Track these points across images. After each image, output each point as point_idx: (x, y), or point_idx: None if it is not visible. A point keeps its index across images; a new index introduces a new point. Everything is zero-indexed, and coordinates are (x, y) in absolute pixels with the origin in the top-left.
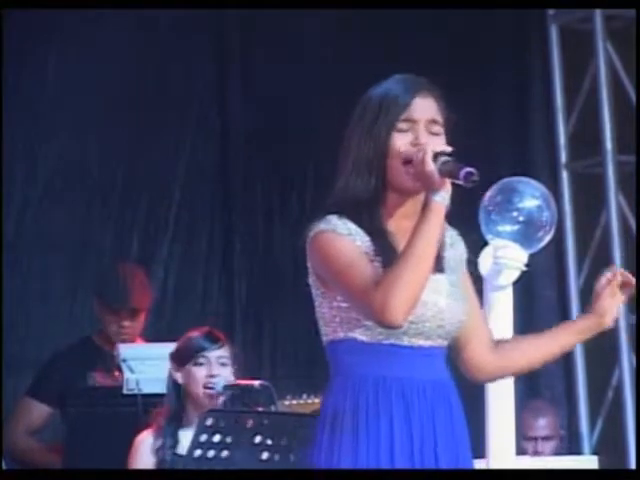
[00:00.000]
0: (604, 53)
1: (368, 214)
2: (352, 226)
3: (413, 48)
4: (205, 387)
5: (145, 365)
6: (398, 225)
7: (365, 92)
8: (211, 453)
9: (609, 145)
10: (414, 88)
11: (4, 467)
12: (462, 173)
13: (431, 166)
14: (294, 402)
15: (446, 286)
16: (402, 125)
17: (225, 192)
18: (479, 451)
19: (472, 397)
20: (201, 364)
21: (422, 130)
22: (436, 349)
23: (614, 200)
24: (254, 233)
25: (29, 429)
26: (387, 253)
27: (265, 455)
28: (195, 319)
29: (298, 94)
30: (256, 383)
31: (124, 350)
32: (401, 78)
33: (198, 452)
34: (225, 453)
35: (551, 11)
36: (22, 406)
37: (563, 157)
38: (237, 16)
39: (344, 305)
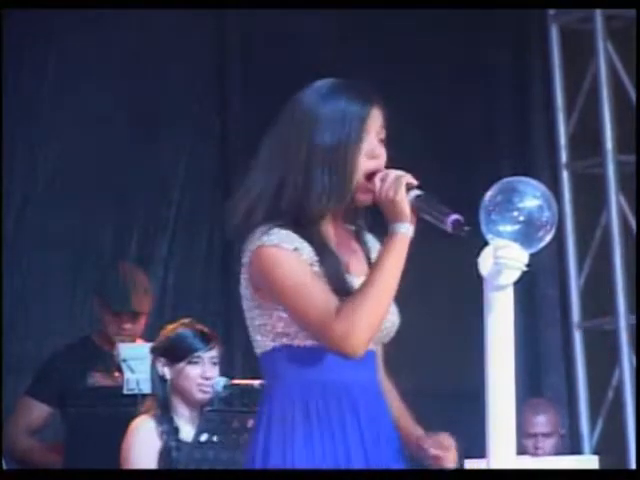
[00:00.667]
0: (604, 53)
1: (315, 226)
2: (295, 237)
3: (413, 48)
4: (199, 389)
5: (145, 365)
6: (338, 233)
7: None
8: (211, 453)
9: (609, 145)
10: (369, 98)
11: (4, 467)
12: (450, 220)
13: (404, 198)
14: None
15: None
16: (361, 135)
17: (225, 192)
18: (479, 451)
19: (472, 397)
20: (195, 363)
21: (374, 139)
22: (373, 351)
23: (614, 200)
24: None
25: (29, 429)
26: (332, 264)
27: None
28: (195, 319)
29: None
30: (256, 383)
31: (124, 350)
32: (346, 85)
33: (199, 452)
34: (225, 453)
35: (551, 11)
36: (22, 406)
37: (563, 157)
38: (237, 16)
39: (285, 315)
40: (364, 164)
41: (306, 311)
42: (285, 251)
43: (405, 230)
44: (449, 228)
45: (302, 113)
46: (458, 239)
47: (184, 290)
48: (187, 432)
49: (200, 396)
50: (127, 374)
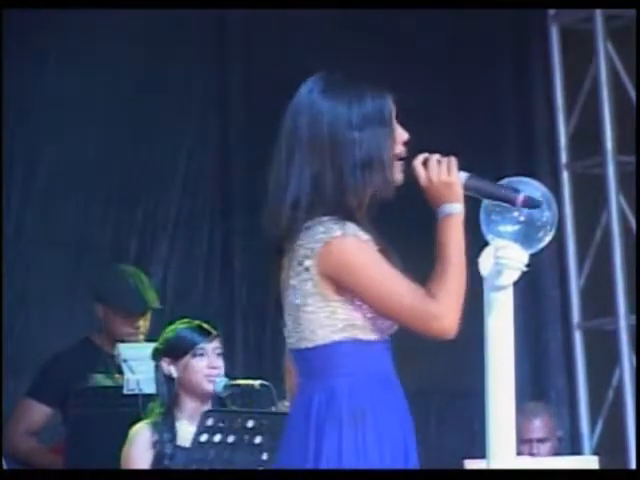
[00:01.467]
0: (604, 53)
1: (364, 219)
2: (361, 228)
3: (413, 49)
4: (208, 379)
5: (145, 365)
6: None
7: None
8: (212, 453)
9: (609, 145)
10: (382, 86)
11: (4, 467)
12: (521, 198)
13: (457, 180)
14: None
15: None
16: (390, 122)
17: (225, 192)
18: (479, 451)
19: (472, 396)
20: (200, 355)
21: (397, 125)
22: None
23: (614, 200)
24: (254, 232)
25: (29, 430)
26: (390, 256)
27: (265, 455)
28: (195, 319)
29: None
30: (256, 383)
31: (124, 350)
32: (356, 77)
33: (199, 452)
34: (226, 453)
35: (551, 11)
36: (22, 407)
37: (563, 157)
38: (237, 16)
39: (352, 307)
40: (393, 150)
41: (396, 297)
42: (363, 241)
43: (461, 209)
44: (518, 204)
45: (327, 106)
46: None
47: (184, 290)
48: (189, 434)
49: (209, 387)
50: (127, 374)
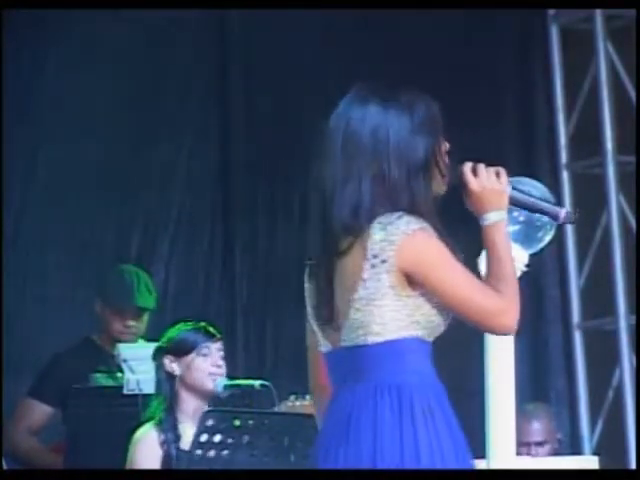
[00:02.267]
0: (604, 53)
1: (433, 216)
2: (430, 227)
3: (413, 50)
4: (212, 378)
5: (146, 365)
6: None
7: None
8: (212, 453)
9: (609, 145)
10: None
11: (4, 467)
12: (563, 213)
13: (506, 188)
14: (297, 403)
15: None
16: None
17: (226, 192)
18: (479, 451)
19: (472, 396)
20: (205, 355)
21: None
22: None
23: (614, 200)
24: (255, 233)
25: (30, 429)
26: (456, 254)
27: (266, 456)
28: (196, 319)
29: (299, 94)
30: (257, 383)
31: (125, 350)
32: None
33: (199, 452)
34: (226, 453)
35: (551, 11)
36: (23, 406)
37: (563, 157)
38: (237, 16)
39: (419, 304)
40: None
41: (469, 292)
42: (436, 237)
43: (505, 216)
44: (561, 219)
45: (390, 113)
46: (458, 240)
47: (185, 290)
48: (191, 435)
49: (211, 386)
50: (128, 374)
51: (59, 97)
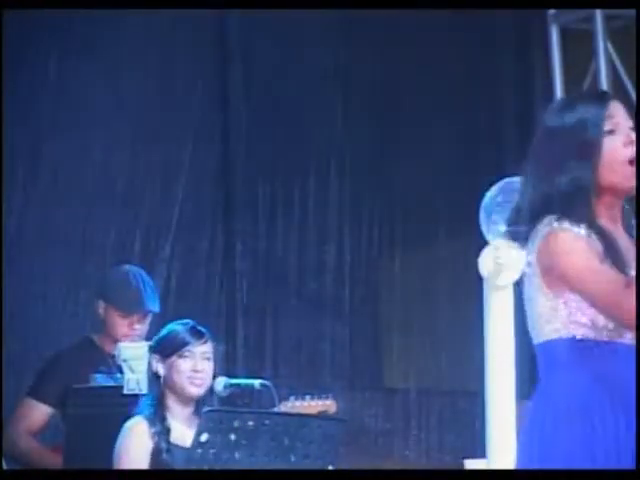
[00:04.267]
0: (605, 53)
1: (585, 214)
2: (583, 226)
3: (413, 50)
4: (190, 382)
5: (145, 365)
6: (605, 225)
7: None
8: (212, 453)
9: None
10: (603, 94)
11: (4, 467)
12: None
13: None
14: (297, 404)
15: None
16: (608, 125)
17: (227, 192)
18: (479, 451)
19: (472, 396)
20: (186, 357)
21: (626, 128)
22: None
23: None
24: (256, 233)
25: (30, 430)
26: (615, 255)
27: (265, 456)
28: (197, 319)
29: (299, 94)
30: (257, 383)
31: (124, 350)
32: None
33: (199, 452)
34: (226, 453)
35: (551, 11)
36: (23, 407)
37: None
38: (237, 16)
39: (574, 305)
40: (622, 152)
41: (603, 293)
42: (579, 237)
43: None
44: None
45: (589, 114)
46: (458, 240)
47: (186, 290)
48: (180, 432)
49: (191, 390)
50: (127, 374)
51: (59, 97)
